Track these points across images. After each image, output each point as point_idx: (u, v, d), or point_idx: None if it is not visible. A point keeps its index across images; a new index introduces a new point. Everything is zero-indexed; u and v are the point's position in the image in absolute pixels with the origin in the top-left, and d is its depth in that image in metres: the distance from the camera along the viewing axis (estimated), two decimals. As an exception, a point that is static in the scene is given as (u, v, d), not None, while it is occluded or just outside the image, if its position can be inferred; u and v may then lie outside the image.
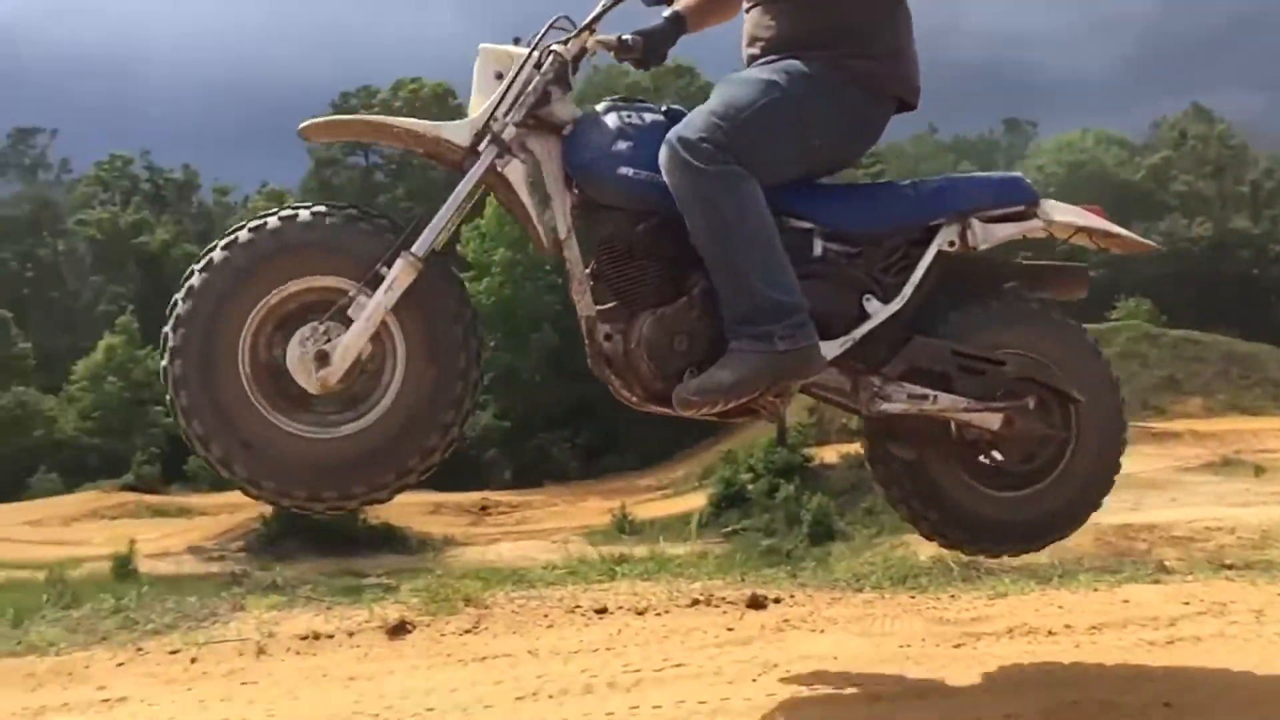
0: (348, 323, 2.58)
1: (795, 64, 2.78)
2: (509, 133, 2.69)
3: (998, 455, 2.91)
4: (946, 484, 2.91)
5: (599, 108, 2.83)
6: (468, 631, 3.77)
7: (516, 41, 2.78)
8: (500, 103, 2.70)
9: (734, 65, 2.95)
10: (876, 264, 2.83)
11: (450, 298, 2.68)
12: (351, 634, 3.77)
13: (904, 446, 2.90)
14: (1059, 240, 2.97)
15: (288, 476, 2.60)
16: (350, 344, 2.57)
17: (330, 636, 3.75)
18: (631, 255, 2.75)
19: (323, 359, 2.57)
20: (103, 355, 52.52)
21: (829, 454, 31.58)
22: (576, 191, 2.75)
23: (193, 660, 3.59)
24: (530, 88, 2.70)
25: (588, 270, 2.75)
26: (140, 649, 3.71)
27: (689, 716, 2.75)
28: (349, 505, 2.68)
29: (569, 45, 2.75)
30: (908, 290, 2.82)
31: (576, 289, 2.73)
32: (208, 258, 2.62)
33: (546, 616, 3.87)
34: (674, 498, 33.19)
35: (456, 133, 2.71)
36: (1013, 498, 2.93)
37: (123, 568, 25.33)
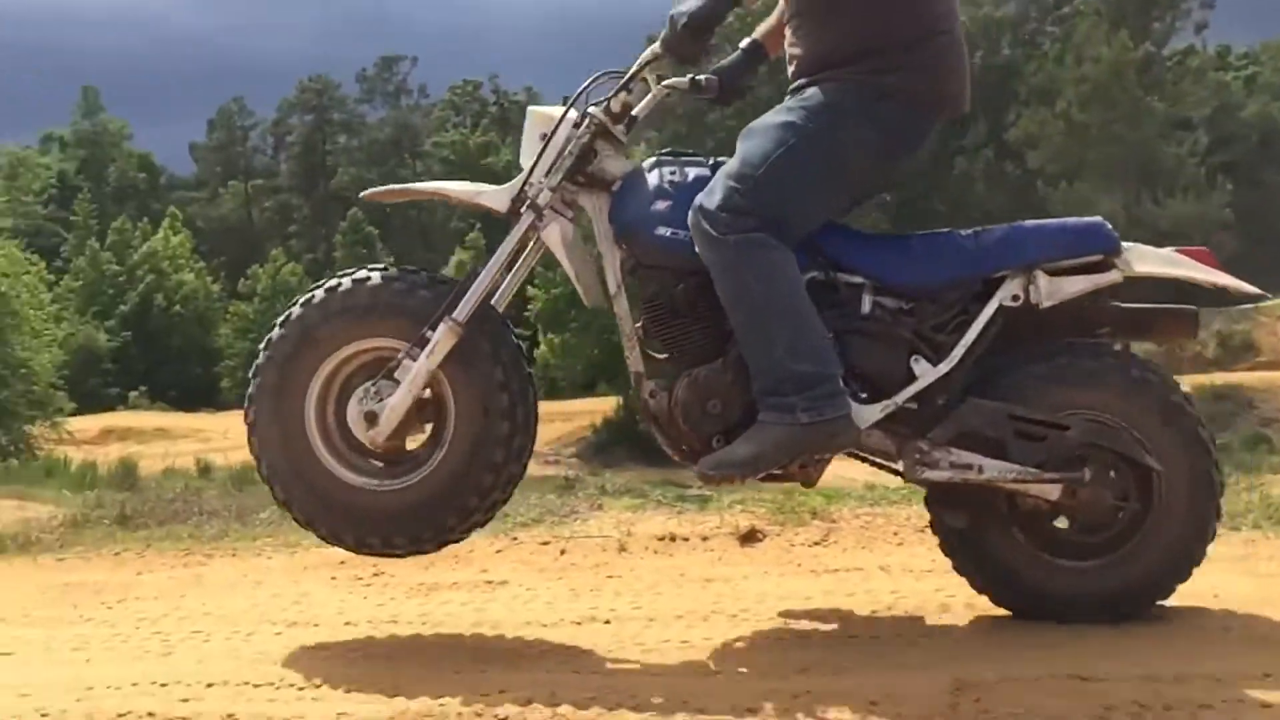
0: (397, 384, 2.71)
1: (816, 93, 2.64)
2: (544, 197, 2.73)
3: (1065, 523, 2.67)
4: (1007, 553, 2.70)
5: (645, 164, 2.77)
6: (816, 544, 3.83)
7: (566, 102, 2.79)
8: (536, 166, 2.75)
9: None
10: (929, 321, 2.65)
11: (490, 352, 2.74)
12: (705, 538, 3.92)
13: (956, 514, 2.71)
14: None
15: (349, 524, 2.78)
16: (396, 405, 2.71)
17: (685, 539, 3.92)
18: (675, 314, 2.71)
19: (371, 419, 2.73)
20: (453, 269, 56.51)
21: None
22: (624, 247, 2.73)
23: (562, 552, 3.87)
24: (567, 150, 2.72)
25: (637, 325, 2.75)
26: (515, 538, 4.03)
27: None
28: (415, 551, 2.84)
29: (611, 105, 2.73)
30: (958, 352, 2.63)
31: (626, 344, 2.75)
32: (286, 314, 2.82)
33: (896, 534, 3.86)
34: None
35: (495, 199, 2.79)
36: (1082, 568, 2.68)
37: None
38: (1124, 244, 2.67)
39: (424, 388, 2.73)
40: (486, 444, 2.72)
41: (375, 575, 3.69)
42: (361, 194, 2.95)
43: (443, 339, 2.69)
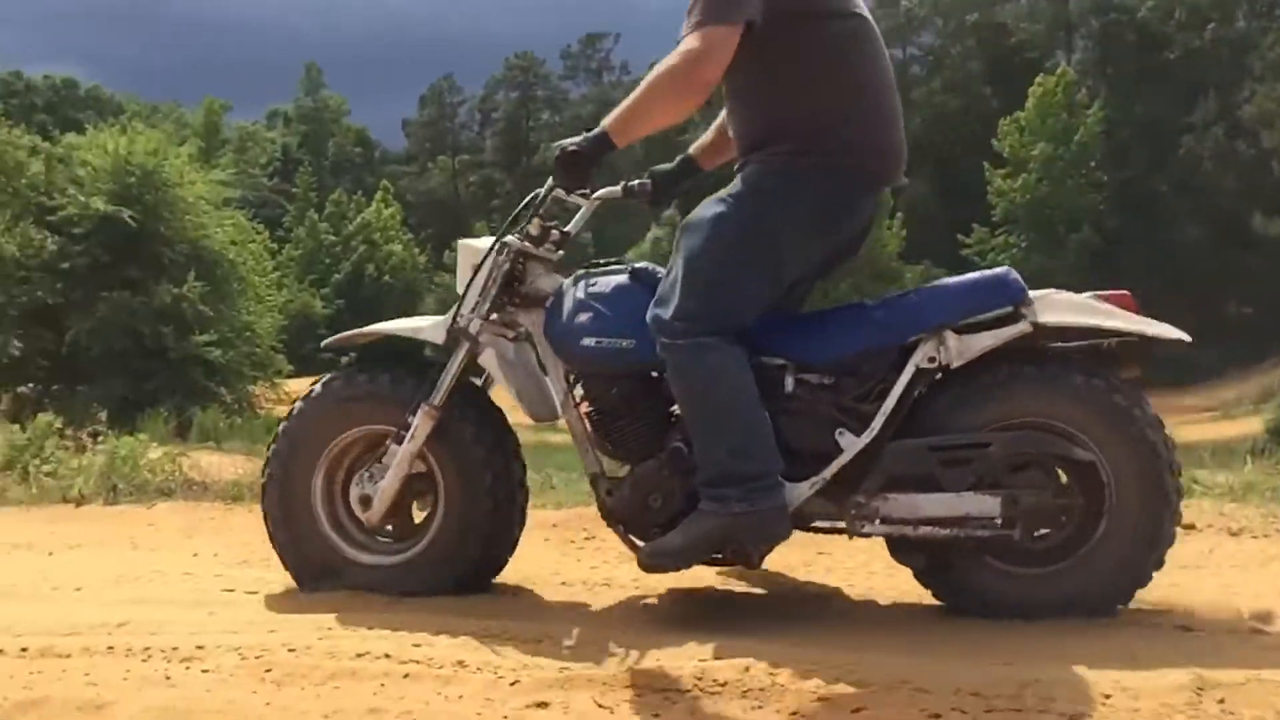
0: (387, 468, 2.93)
1: (740, 179, 2.73)
2: (474, 326, 2.91)
3: (1021, 534, 2.61)
4: (972, 572, 2.69)
5: (568, 281, 2.91)
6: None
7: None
8: (466, 297, 2.93)
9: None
10: (850, 394, 2.69)
11: (470, 428, 2.95)
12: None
13: (914, 557, 2.73)
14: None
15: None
16: (385, 489, 2.93)
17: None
18: (615, 416, 2.82)
19: (365, 503, 2.96)
20: (649, 246, 57.08)
21: None
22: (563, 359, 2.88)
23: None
24: (490, 279, 2.90)
25: (588, 431, 2.86)
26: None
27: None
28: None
29: (529, 230, 2.90)
30: (879, 421, 2.65)
31: (579, 449, 2.88)
32: (297, 404, 3.11)
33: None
34: (1223, 420, 30.13)
35: (434, 333, 2.99)
36: (1044, 574, 2.67)
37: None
38: (1035, 293, 2.65)
39: (409, 470, 2.94)
40: (473, 518, 2.95)
41: (587, 539, 3.75)
42: (324, 343, 3.29)
43: (421, 423, 2.89)
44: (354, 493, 3.00)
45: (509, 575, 3.23)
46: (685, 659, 2.38)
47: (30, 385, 18.88)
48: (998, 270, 2.72)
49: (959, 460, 2.61)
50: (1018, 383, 2.65)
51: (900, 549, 2.74)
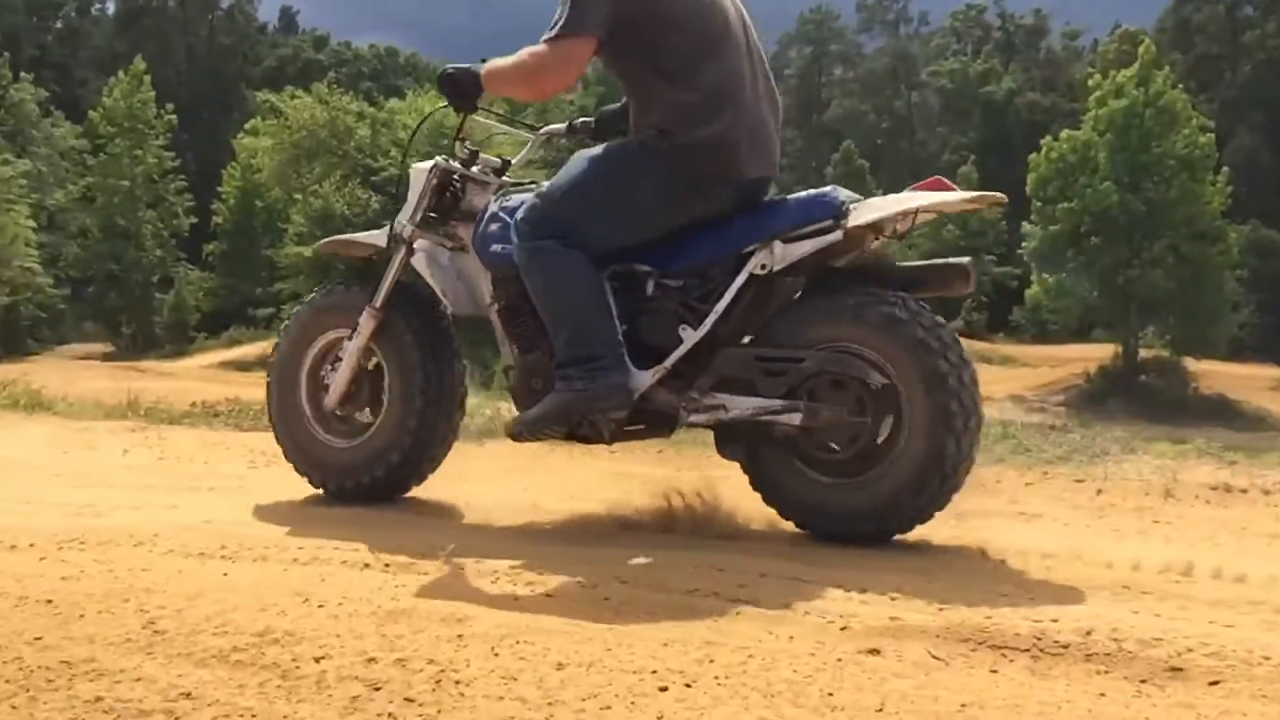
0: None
1: (622, 145, 3.20)
2: (407, 231, 3.46)
3: (828, 445, 2.97)
4: (783, 474, 3.03)
5: (494, 199, 3.40)
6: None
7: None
8: (403, 210, 3.48)
9: None
10: (694, 294, 3.09)
11: (409, 333, 3.49)
12: (1267, 492, 3.56)
13: (733, 448, 3.09)
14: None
15: (324, 473, 3.63)
16: (338, 378, 3.54)
17: (1244, 491, 3.58)
18: (514, 313, 3.28)
19: (326, 390, 3.57)
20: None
21: None
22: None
23: (1098, 491, 3.68)
24: (423, 194, 3.43)
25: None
26: (1045, 473, 3.89)
27: None
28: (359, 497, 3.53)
29: (457, 151, 3.47)
30: (711, 318, 3.05)
31: (499, 342, 3.36)
32: (290, 317, 3.79)
33: None
34: None
35: (379, 239, 3.58)
36: (846, 484, 2.97)
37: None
38: (856, 203, 2.99)
39: (358, 363, 3.51)
40: (407, 412, 3.44)
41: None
42: (312, 247, 4.39)
43: (365, 322, 3.47)
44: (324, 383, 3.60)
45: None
46: (1020, 618, 2.32)
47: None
48: (825, 189, 3.11)
49: (776, 371, 2.99)
50: (837, 310, 2.98)
51: (723, 445, 3.12)
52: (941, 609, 2.40)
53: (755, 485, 3.12)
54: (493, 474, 4.43)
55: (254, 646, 2.21)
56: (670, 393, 3.09)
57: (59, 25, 69.87)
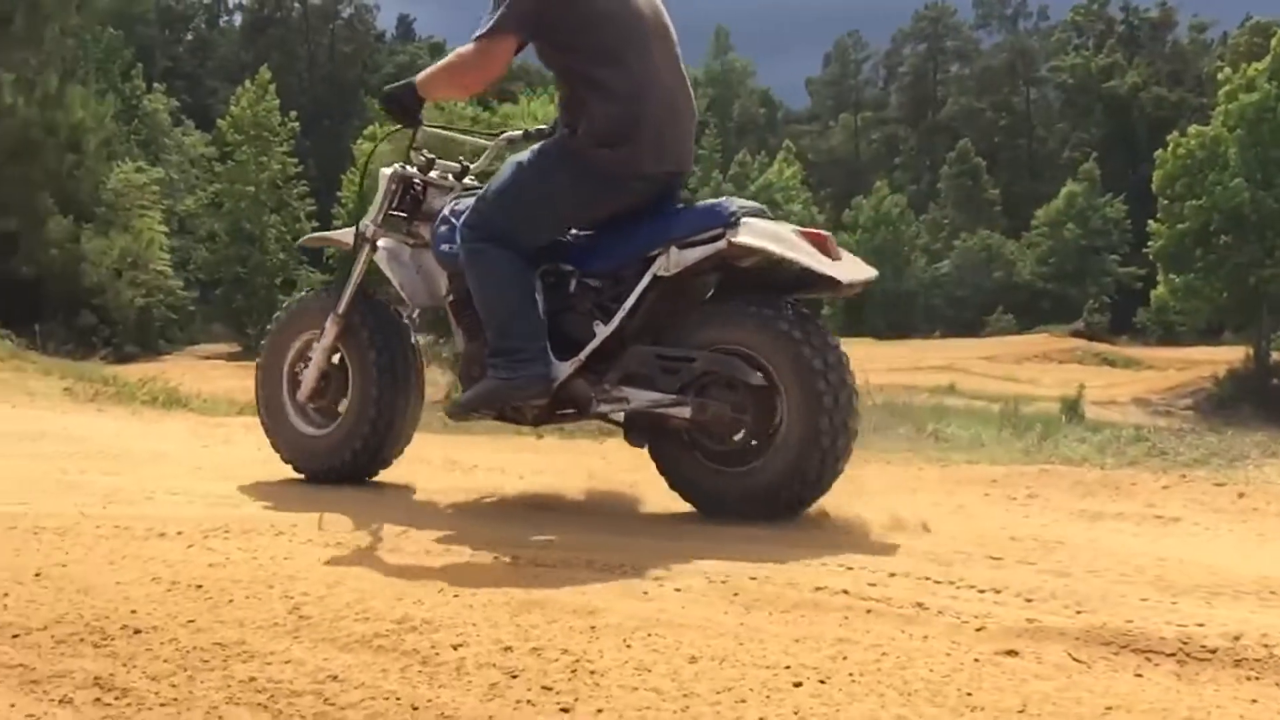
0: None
1: (542, 146, 3.44)
2: (369, 231, 3.81)
3: (716, 436, 3.23)
4: (688, 463, 3.29)
5: (449, 201, 3.69)
6: None
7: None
8: (368, 211, 3.82)
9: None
10: (608, 294, 3.35)
11: (368, 333, 3.81)
12: None
13: (636, 436, 3.37)
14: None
15: (300, 457, 3.97)
16: (308, 376, 3.90)
17: (1401, 499, 3.42)
18: (463, 306, 3.54)
19: (299, 385, 3.92)
20: (1063, 201, 53.90)
21: None
22: None
23: (1240, 495, 3.56)
24: (385, 197, 3.79)
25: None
26: (1183, 475, 3.77)
27: None
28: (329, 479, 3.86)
29: (410, 160, 3.79)
30: (619, 316, 3.31)
31: (454, 332, 3.62)
32: (273, 320, 4.18)
33: None
34: None
35: (346, 236, 3.95)
36: (736, 473, 3.22)
37: (1071, 410, 26.07)
38: (746, 221, 3.19)
39: (326, 362, 3.87)
40: (366, 404, 3.78)
41: (1030, 497, 3.65)
42: (297, 242, 5.20)
43: (329, 326, 3.83)
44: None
45: (960, 530, 3.20)
46: (1163, 622, 2.25)
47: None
48: (720, 199, 3.33)
49: (672, 369, 3.26)
50: (725, 315, 3.26)
51: (629, 433, 3.40)
52: (1080, 611, 2.35)
53: (660, 471, 3.38)
54: (615, 472, 4.47)
55: (394, 633, 2.27)
56: (585, 383, 3.38)
57: (189, 37, 72.61)
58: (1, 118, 20.14)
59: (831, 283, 3.18)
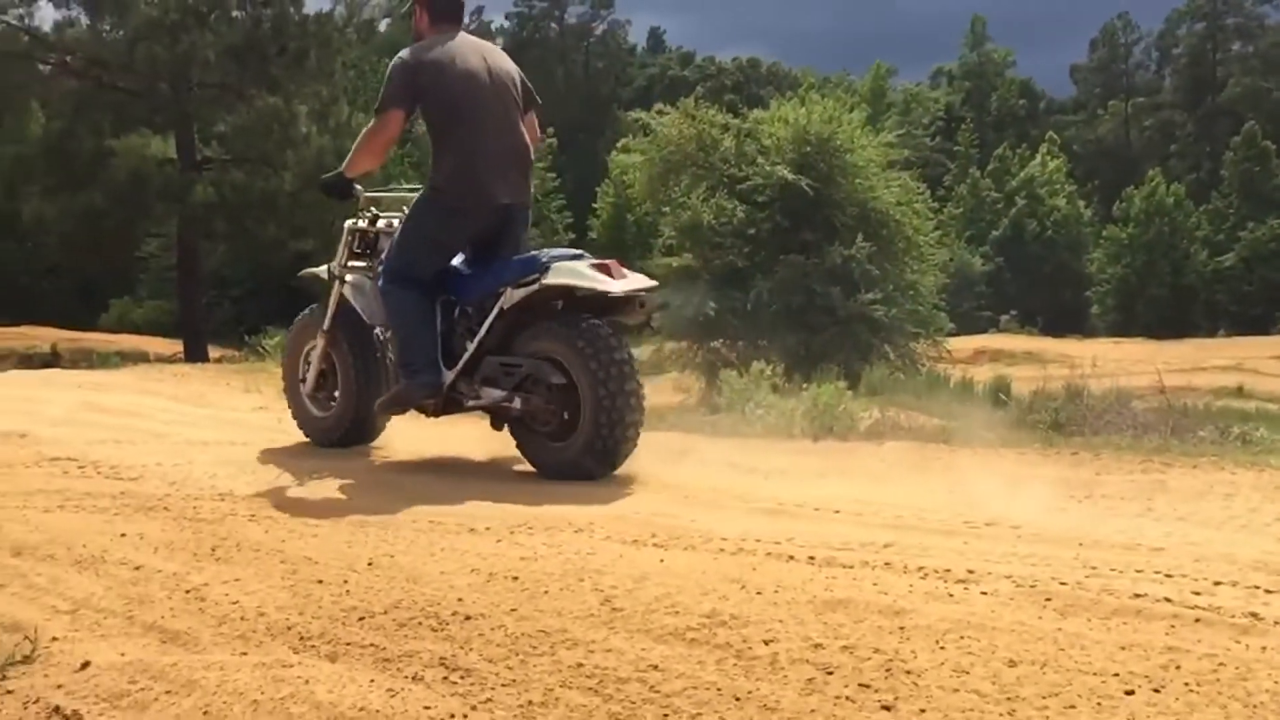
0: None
1: (418, 199, 4.57)
2: (337, 269, 4.89)
3: (540, 422, 4.27)
4: (529, 440, 4.34)
5: None
6: None
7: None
8: (337, 255, 4.94)
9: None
10: (476, 320, 4.45)
11: (346, 343, 4.91)
12: None
13: (497, 423, 4.44)
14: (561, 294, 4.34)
15: (314, 431, 5.12)
16: (310, 373, 5.06)
17: None
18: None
19: (305, 381, 5.09)
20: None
21: None
22: None
23: None
24: (344, 244, 4.93)
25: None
26: None
27: None
28: (333, 445, 5.00)
29: (359, 221, 4.94)
30: (478, 336, 4.40)
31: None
32: (292, 326, 5.38)
33: None
34: None
35: (324, 273, 5.02)
36: (560, 447, 4.23)
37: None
38: (555, 265, 4.26)
39: (320, 363, 5.00)
40: (349, 396, 4.91)
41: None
42: (298, 275, 6.07)
43: (319, 339, 4.99)
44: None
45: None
46: None
47: (721, 341, 21.07)
48: (537, 252, 4.39)
49: (509, 373, 4.29)
50: (544, 331, 4.24)
51: (494, 421, 4.42)
52: None
53: (518, 448, 4.37)
54: (899, 472, 4.42)
55: (705, 627, 2.34)
56: (463, 385, 4.41)
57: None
58: (299, 146, 21.79)
59: (605, 296, 4.19)
